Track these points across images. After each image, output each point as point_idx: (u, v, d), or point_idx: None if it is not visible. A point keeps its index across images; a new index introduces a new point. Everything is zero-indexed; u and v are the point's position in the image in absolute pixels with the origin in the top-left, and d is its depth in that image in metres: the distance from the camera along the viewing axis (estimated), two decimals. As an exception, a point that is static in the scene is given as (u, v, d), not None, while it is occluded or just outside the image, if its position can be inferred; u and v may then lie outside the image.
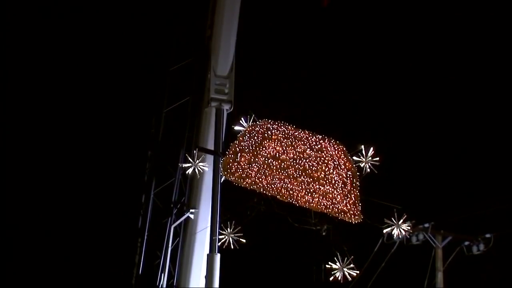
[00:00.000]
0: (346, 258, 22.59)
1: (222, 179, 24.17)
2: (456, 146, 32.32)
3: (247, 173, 23.27)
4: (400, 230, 22.58)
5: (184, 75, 27.42)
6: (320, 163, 22.86)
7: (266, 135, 23.51)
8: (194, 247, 26.20)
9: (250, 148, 23.49)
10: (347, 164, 22.86)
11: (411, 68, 31.98)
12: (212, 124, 25.84)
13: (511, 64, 31.34)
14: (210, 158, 25.03)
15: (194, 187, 26.31)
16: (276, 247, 29.32)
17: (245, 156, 23.46)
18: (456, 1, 31.52)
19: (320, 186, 22.64)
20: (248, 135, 23.71)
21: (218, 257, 23.61)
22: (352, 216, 22.42)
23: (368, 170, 22.82)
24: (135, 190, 27.41)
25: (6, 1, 29.36)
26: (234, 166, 23.44)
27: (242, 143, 23.66)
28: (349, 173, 22.75)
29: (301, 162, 22.96)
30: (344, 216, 22.48)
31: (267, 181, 23.05)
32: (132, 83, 29.83)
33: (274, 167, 23.08)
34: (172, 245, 26.30)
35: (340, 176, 22.70)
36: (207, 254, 24.08)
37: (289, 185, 22.83)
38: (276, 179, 22.98)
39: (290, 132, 23.45)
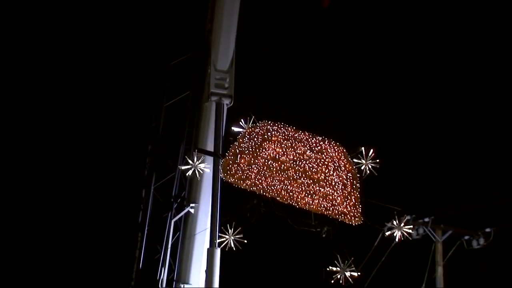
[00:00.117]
0: (346, 260, 22.58)
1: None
2: (456, 141, 32.27)
3: (247, 174, 23.26)
4: (402, 232, 22.60)
5: (184, 70, 27.29)
6: (320, 164, 22.81)
7: (266, 136, 23.45)
8: (194, 242, 26.24)
9: (250, 149, 23.44)
10: (347, 166, 22.83)
11: (412, 69, 31.83)
12: (212, 119, 25.73)
13: (511, 64, 31.17)
14: (210, 157, 24.94)
15: (194, 181, 26.26)
16: (276, 248, 29.30)
17: (245, 158, 23.42)
18: (456, 1, 31.32)
19: (320, 188, 22.61)
20: (248, 136, 23.65)
21: (218, 251, 23.53)
22: (352, 218, 22.44)
23: (368, 172, 22.77)
24: (135, 185, 27.39)
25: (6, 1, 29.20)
26: (234, 168, 23.41)
27: (242, 145, 23.60)
28: (349, 175, 22.73)
29: (301, 164, 22.92)
30: (344, 218, 22.50)
31: (267, 183, 23.04)
32: (132, 77, 29.70)
33: (274, 169, 23.05)
34: (172, 239, 26.34)
35: (340, 178, 22.67)
36: (207, 249, 23.99)
37: (289, 187, 22.81)
38: (276, 180, 22.97)
39: (290, 133, 23.39)
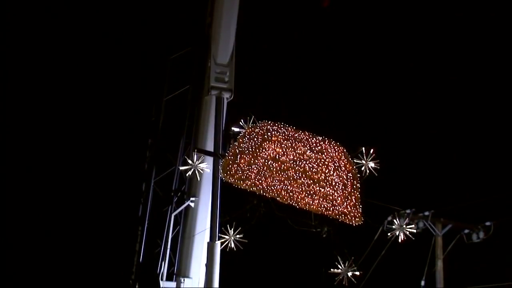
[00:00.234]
0: (347, 260, 22.55)
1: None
2: (456, 136, 32.21)
3: (247, 174, 23.17)
4: (404, 232, 22.59)
5: (185, 64, 27.19)
6: (320, 164, 22.74)
7: (266, 136, 23.35)
8: (194, 236, 26.25)
9: (250, 149, 23.34)
10: (347, 166, 22.76)
11: (412, 70, 31.68)
12: (212, 113, 25.64)
13: (510, 64, 31.03)
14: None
15: (194, 176, 26.20)
16: (276, 249, 29.31)
17: (245, 158, 23.33)
18: (456, 1, 31.09)
19: (321, 188, 22.54)
20: (248, 136, 23.55)
21: (218, 245, 23.49)
22: (353, 218, 22.39)
23: (368, 172, 22.71)
24: (136, 179, 27.40)
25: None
26: (234, 168, 23.32)
27: (242, 145, 23.50)
28: (349, 175, 22.67)
29: (301, 164, 22.84)
30: (344, 218, 22.44)
31: (267, 183, 22.96)
32: (132, 71, 29.61)
33: (274, 169, 22.97)
34: (172, 233, 26.38)
35: (341, 178, 22.60)
36: (207, 243, 24.00)
37: (289, 187, 22.74)
38: (276, 181, 22.89)
39: (290, 133, 23.29)
